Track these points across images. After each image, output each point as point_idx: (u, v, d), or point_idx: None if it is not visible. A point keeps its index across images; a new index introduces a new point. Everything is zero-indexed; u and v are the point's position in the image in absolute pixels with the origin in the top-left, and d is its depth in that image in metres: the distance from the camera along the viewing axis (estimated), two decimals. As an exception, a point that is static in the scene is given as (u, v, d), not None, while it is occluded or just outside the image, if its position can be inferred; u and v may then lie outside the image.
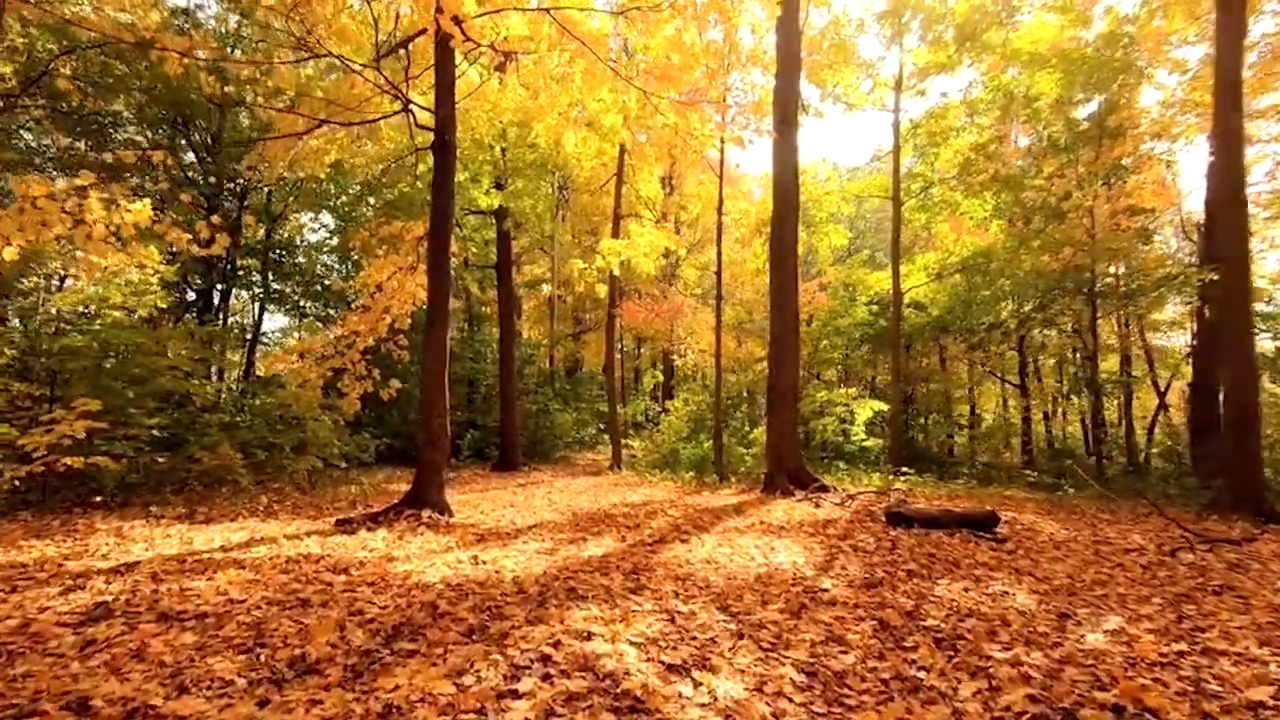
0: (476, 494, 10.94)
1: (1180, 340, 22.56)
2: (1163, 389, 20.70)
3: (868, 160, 26.55)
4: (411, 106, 7.90)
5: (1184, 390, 24.07)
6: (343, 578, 4.80)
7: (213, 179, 17.48)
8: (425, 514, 7.31)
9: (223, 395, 12.94)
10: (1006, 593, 4.72)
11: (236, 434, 9.70)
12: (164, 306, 10.41)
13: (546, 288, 24.16)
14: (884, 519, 7.51)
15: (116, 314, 9.53)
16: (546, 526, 7.50)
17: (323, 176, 12.73)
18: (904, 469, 12.42)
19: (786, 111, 10.93)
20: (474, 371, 20.54)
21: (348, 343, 10.25)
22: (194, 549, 5.71)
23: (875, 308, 19.50)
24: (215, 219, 6.90)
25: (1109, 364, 22.44)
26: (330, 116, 10.91)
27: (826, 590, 4.76)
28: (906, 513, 7.29)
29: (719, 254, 13.59)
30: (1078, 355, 20.46)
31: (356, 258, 14.90)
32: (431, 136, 7.98)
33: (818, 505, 8.80)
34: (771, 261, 11.83)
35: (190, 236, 6.82)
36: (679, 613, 4.17)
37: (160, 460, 9.03)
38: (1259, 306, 15.37)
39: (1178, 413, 22.53)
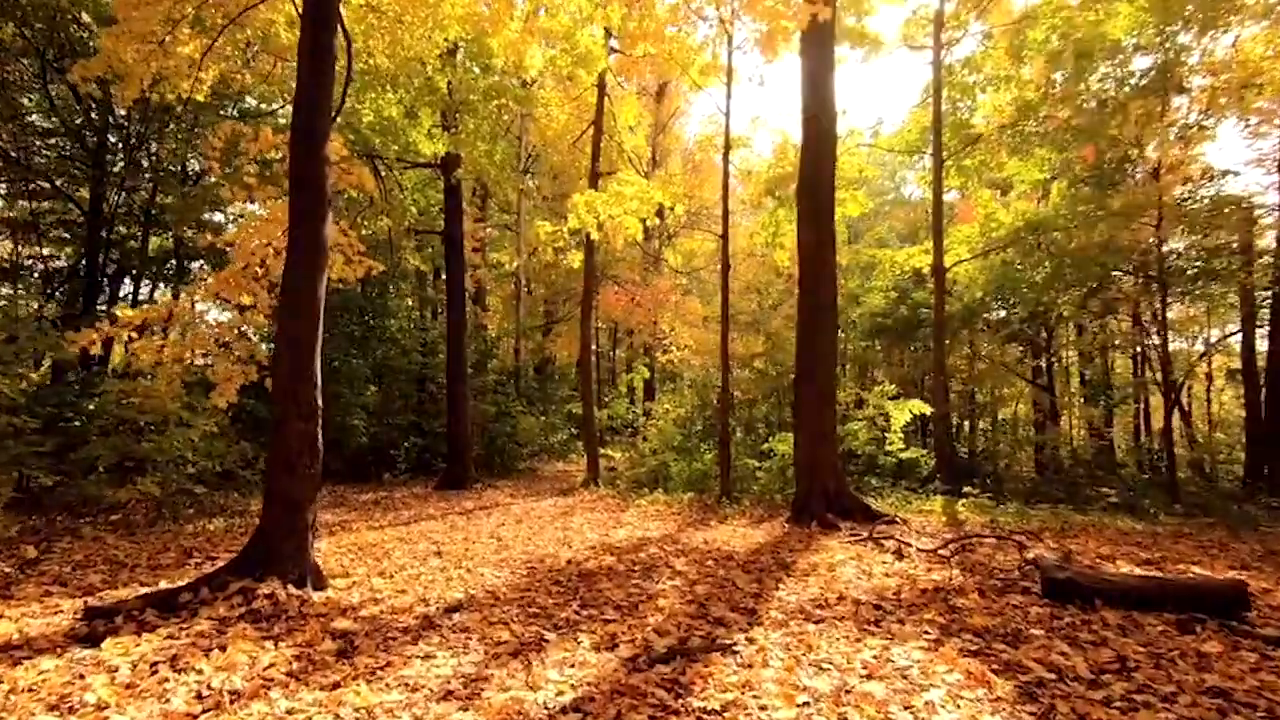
0: (397, 529, 7.80)
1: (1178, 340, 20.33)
2: (1179, 392, 18.00)
3: (870, 127, 23.85)
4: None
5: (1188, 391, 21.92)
6: None
7: (93, 131, 14.16)
8: (267, 587, 4.20)
9: (62, 392, 9.56)
10: None
11: (6, 449, 6.44)
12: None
13: (511, 263, 20.92)
14: (1038, 587, 4.61)
15: None
16: (481, 605, 4.45)
17: (202, 99, 9.49)
18: (966, 489, 9.60)
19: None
20: (424, 368, 17.30)
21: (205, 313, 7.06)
22: None
23: (894, 294, 16.78)
24: None
25: (1124, 364, 20.15)
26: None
27: None
28: (1082, 580, 4.38)
29: (725, 212, 10.63)
30: (1104, 351, 18.11)
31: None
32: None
33: (900, 554, 5.87)
34: (801, 215, 8.94)
35: None
36: None
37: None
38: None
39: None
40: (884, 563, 5.63)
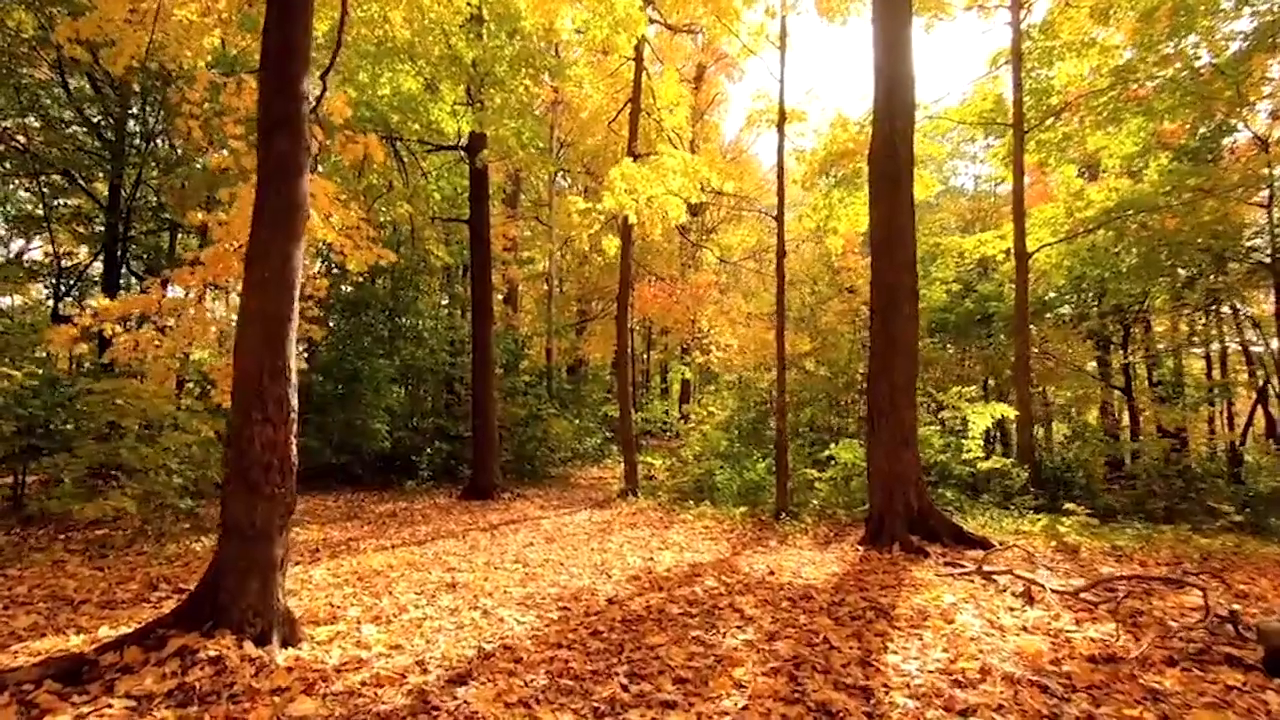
0: (410, 549, 6.79)
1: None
2: (1258, 398, 15.71)
3: (933, 101, 22.34)
4: None
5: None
6: None
7: (111, 122, 13.65)
8: (215, 646, 3.18)
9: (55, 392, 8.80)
10: None
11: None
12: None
13: (543, 264, 19.98)
14: (1249, 653, 3.34)
15: None
16: (496, 670, 3.36)
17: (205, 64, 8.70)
18: (1068, 506, 8.23)
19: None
20: (452, 368, 16.42)
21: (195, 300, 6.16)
22: None
23: (956, 286, 15.35)
24: None
25: (1188, 364, 18.23)
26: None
27: None
28: (1333, 654, 3.11)
29: (780, 191, 9.45)
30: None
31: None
32: None
33: (1030, 597, 4.61)
34: (874, 187, 7.71)
35: None
36: None
37: None
38: None
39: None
40: (1012, 610, 4.39)
